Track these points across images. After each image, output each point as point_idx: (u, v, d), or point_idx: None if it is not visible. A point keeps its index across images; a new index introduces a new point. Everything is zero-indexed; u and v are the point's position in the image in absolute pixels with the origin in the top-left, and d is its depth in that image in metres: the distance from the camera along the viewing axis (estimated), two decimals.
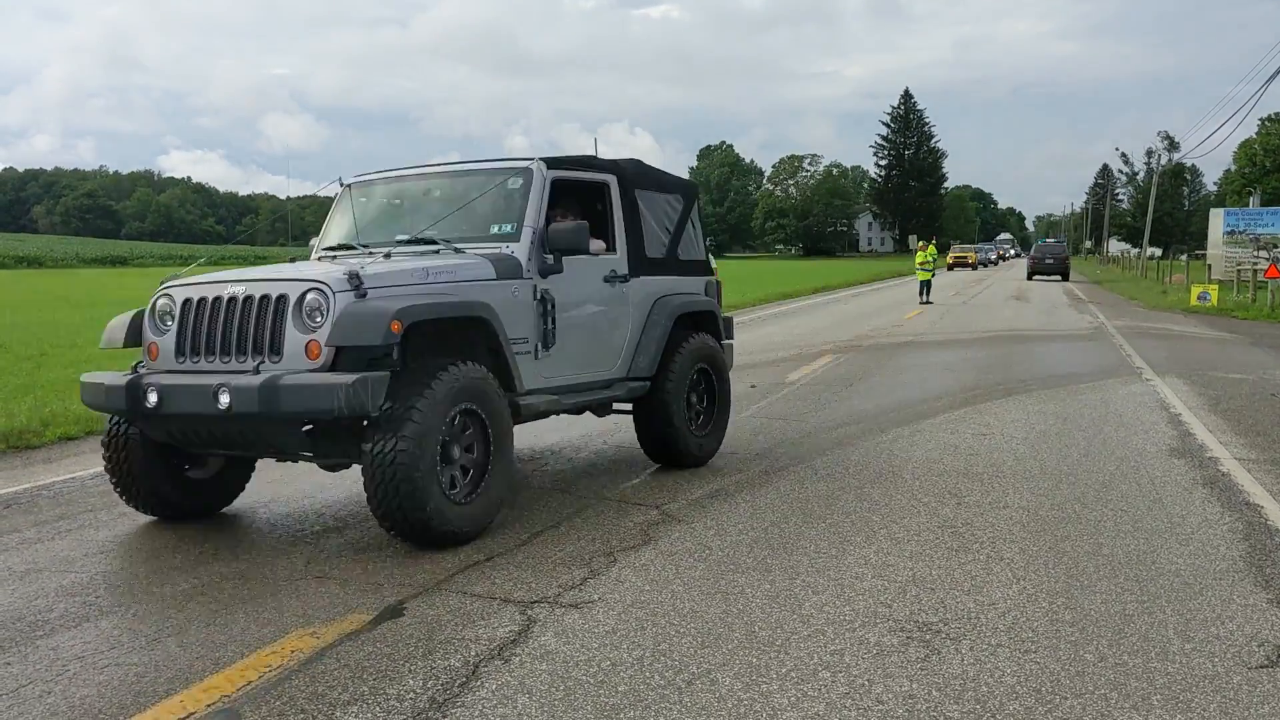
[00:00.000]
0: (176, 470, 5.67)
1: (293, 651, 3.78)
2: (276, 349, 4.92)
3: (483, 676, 3.55)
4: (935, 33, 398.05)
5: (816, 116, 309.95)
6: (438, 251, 5.83)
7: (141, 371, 5.32)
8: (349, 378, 4.62)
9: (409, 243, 6.05)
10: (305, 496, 6.29)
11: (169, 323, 5.28)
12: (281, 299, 4.96)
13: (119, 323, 5.62)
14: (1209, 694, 3.38)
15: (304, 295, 4.92)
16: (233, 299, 5.08)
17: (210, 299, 5.14)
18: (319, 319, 4.87)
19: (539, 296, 5.80)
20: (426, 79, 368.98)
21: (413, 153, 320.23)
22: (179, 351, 5.19)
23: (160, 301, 5.37)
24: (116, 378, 5.24)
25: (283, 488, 6.54)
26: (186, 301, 5.23)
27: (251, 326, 4.99)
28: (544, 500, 6.06)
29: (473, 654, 3.74)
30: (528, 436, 8.16)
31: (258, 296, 5.02)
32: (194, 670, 3.63)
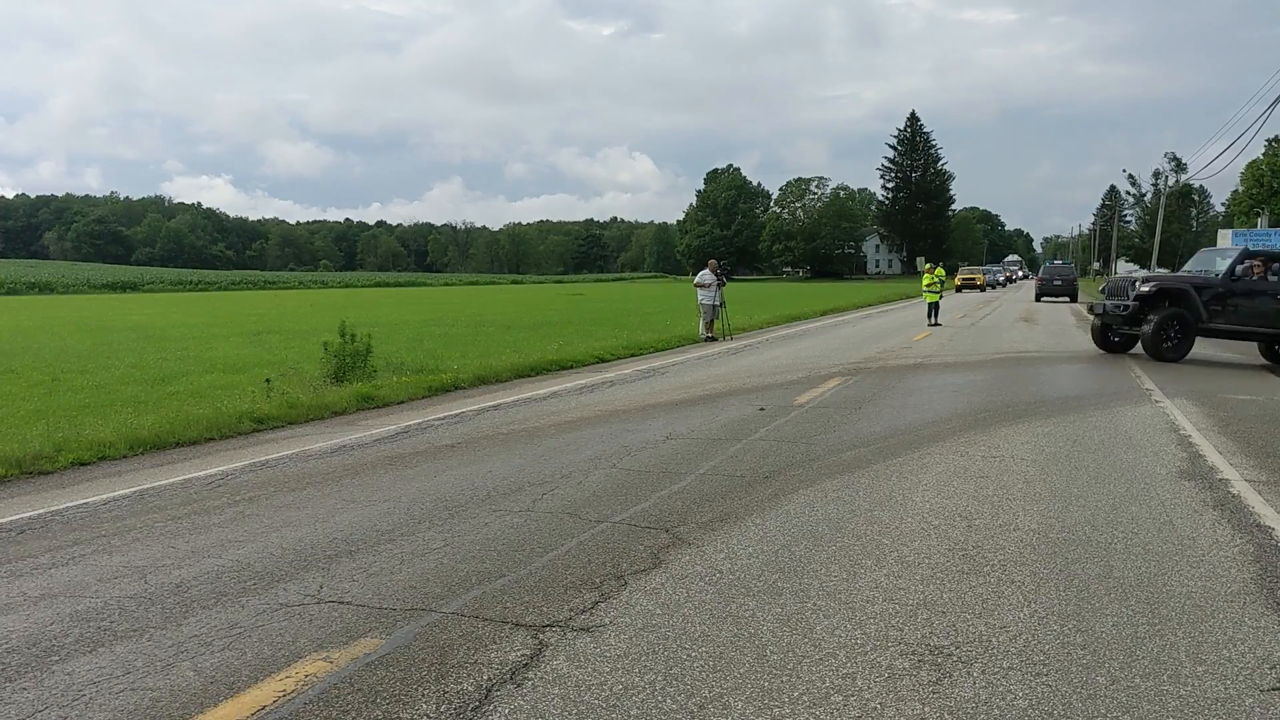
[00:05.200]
0: None
1: (306, 676, 3.80)
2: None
3: (495, 701, 3.56)
4: (946, 55, 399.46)
5: (816, 139, 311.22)
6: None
7: None
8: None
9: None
10: (317, 521, 6.32)
11: None
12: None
13: None
14: (1220, 717, 3.38)
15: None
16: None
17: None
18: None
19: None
20: (423, 105, 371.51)
21: (418, 177, 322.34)
22: None
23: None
24: None
25: (295, 512, 6.57)
26: None
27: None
28: (554, 524, 6.07)
29: (485, 678, 3.76)
30: (535, 459, 8.18)
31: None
32: (208, 696, 3.65)
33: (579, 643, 4.11)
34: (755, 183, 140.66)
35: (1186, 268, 19.44)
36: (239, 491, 7.30)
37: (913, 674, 3.74)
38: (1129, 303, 17.38)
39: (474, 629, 4.28)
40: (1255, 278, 17.07)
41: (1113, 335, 18.64)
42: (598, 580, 4.94)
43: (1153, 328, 16.78)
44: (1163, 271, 19.11)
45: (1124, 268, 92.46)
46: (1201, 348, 20.33)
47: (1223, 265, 17.51)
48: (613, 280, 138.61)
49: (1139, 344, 18.05)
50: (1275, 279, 17.03)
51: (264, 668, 3.90)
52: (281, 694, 3.65)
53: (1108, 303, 18.19)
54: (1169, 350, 16.85)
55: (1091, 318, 19.38)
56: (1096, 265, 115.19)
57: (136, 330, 28.08)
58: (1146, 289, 17.16)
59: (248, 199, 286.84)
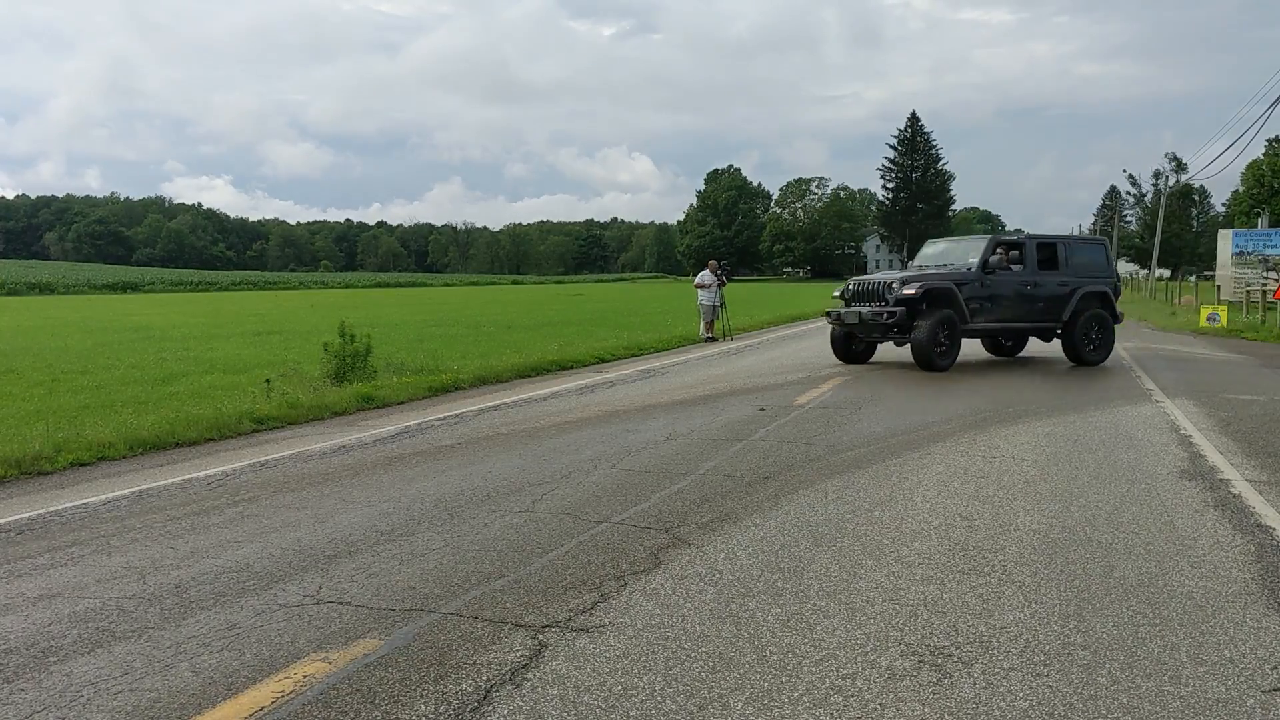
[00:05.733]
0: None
1: (305, 677, 3.79)
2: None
3: (494, 702, 3.56)
4: (945, 55, 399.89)
5: (816, 139, 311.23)
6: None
7: None
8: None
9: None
10: (317, 521, 6.31)
11: None
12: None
13: None
14: (1222, 717, 3.37)
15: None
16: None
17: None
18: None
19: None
20: (422, 105, 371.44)
21: (418, 178, 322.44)
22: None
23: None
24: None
25: (294, 513, 6.56)
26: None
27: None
28: (554, 524, 6.07)
29: (484, 679, 3.75)
30: (536, 459, 8.18)
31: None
32: (207, 696, 3.65)
33: (578, 643, 4.10)
34: (756, 183, 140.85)
35: (916, 263, 17.61)
36: (239, 492, 7.30)
37: (913, 674, 3.73)
38: (891, 308, 15.33)
39: (473, 629, 4.27)
40: (1005, 269, 15.99)
41: (856, 345, 16.69)
42: (597, 580, 4.93)
43: (926, 334, 14.91)
44: (911, 270, 16.95)
45: (1124, 268, 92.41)
46: (1200, 346, 20.31)
47: (972, 258, 15.97)
48: (613, 281, 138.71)
49: (889, 350, 16.76)
50: (1018, 268, 16.06)
51: (263, 668, 3.89)
52: (280, 695, 3.64)
53: (863, 310, 15.79)
54: (941, 357, 15.05)
55: (831, 326, 16.92)
56: None
57: (137, 331, 28.08)
58: (911, 291, 15.21)
59: (248, 199, 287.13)
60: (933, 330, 14.93)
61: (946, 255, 17.21)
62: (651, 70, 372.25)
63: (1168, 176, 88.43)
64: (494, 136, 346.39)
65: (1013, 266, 16.11)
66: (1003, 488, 6.95)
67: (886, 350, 17.92)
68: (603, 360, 18.09)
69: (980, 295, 15.59)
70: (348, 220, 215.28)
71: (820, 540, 5.63)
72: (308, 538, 5.93)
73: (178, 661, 4.00)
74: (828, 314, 16.92)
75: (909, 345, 15.45)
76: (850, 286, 16.61)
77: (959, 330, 15.36)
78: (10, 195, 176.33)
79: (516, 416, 11.04)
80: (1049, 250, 16.54)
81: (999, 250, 16.17)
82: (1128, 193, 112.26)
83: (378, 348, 15.46)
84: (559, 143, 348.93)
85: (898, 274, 15.96)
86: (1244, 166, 75.52)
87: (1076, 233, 61.47)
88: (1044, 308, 16.23)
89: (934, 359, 14.91)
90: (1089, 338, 16.48)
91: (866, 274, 16.00)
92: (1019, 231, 24.56)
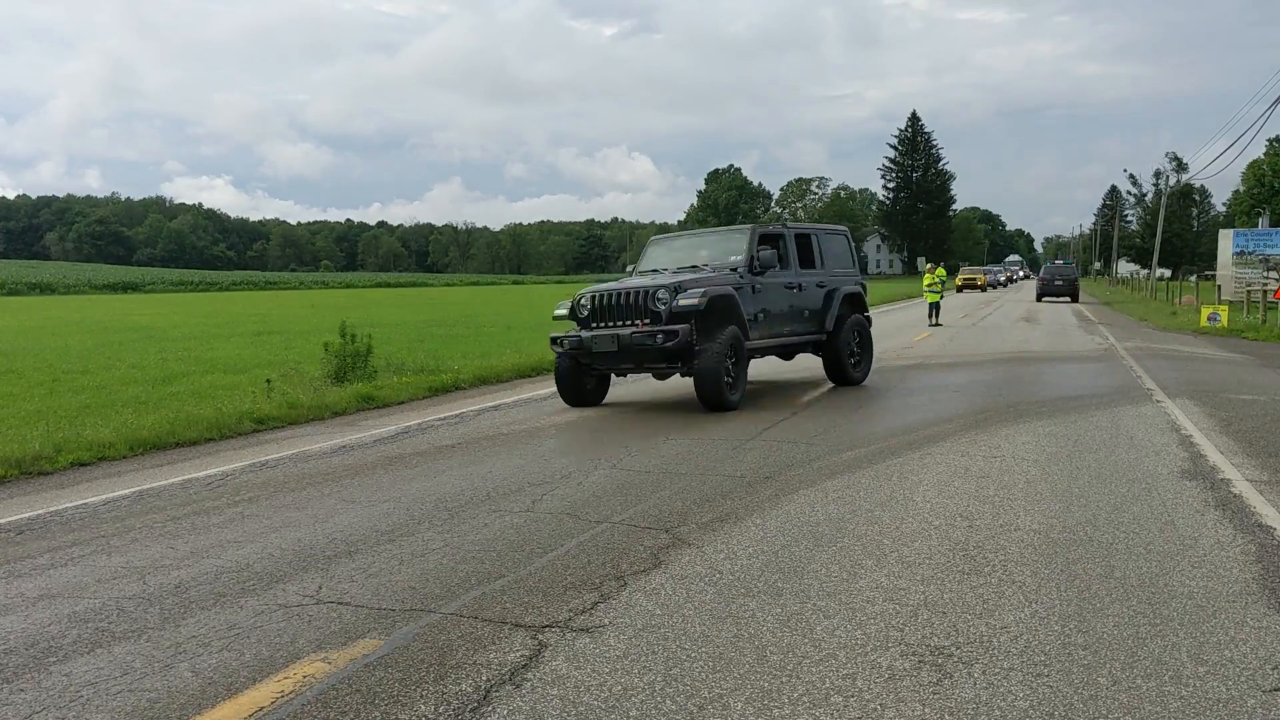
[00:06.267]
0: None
1: (305, 677, 3.78)
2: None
3: (494, 702, 3.55)
4: (945, 55, 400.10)
5: (816, 139, 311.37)
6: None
7: None
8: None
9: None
10: (317, 521, 6.31)
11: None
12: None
13: None
14: (1222, 718, 3.36)
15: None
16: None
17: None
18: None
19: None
20: (422, 105, 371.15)
21: (418, 178, 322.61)
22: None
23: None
24: None
25: (294, 513, 6.56)
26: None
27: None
28: (554, 524, 6.06)
29: (484, 679, 3.75)
30: (536, 459, 8.18)
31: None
32: (206, 697, 3.64)
33: (578, 643, 4.09)
34: (756, 183, 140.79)
35: (646, 267, 13.08)
36: (239, 492, 7.30)
37: (913, 674, 3.73)
38: (667, 327, 10.77)
39: (473, 629, 4.26)
40: (773, 268, 12.26)
41: (588, 381, 11.95)
42: (597, 580, 4.92)
43: (715, 360, 10.71)
44: (645, 276, 12.34)
45: (1125, 268, 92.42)
46: (1201, 346, 20.28)
47: (734, 256, 12.17)
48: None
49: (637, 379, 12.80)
50: (780, 267, 12.52)
51: (263, 669, 3.89)
52: (280, 695, 3.63)
53: (623, 332, 11.01)
54: (731, 390, 11.01)
55: (560, 356, 11.82)
56: (1098, 265, 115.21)
57: (138, 331, 28.08)
58: (693, 301, 10.79)
59: (248, 199, 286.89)
60: (722, 355, 10.81)
61: (689, 254, 12.94)
62: (652, 70, 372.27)
63: (1168, 176, 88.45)
64: (494, 136, 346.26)
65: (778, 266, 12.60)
66: (1003, 488, 6.94)
67: (888, 350, 17.85)
68: None
69: (754, 304, 11.86)
70: (348, 220, 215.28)
71: (820, 540, 5.63)
72: (308, 538, 5.93)
73: (178, 662, 3.99)
74: (555, 341, 11.66)
75: (690, 376, 11.16)
76: (587, 301, 11.53)
77: (745, 352, 11.40)
78: (11, 195, 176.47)
79: (516, 416, 11.04)
80: (806, 243, 13.36)
81: (763, 244, 12.42)
82: (1128, 192, 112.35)
83: (378, 348, 15.47)
84: (559, 143, 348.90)
85: (663, 280, 11.33)
86: (1244, 166, 75.61)
87: (1077, 234, 60.81)
88: (809, 315, 13.02)
89: (725, 393, 10.81)
90: (851, 350, 13.44)
91: (603, 283, 12.12)
92: (843, 224, 20.82)
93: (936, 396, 12.17)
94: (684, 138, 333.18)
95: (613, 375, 12.29)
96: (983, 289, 65.76)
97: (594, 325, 11.38)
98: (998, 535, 5.69)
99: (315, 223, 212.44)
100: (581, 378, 11.80)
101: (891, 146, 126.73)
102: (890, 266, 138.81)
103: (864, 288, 14.35)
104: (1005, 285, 79.56)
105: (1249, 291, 30.23)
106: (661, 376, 12.27)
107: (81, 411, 11.15)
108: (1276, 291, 26.01)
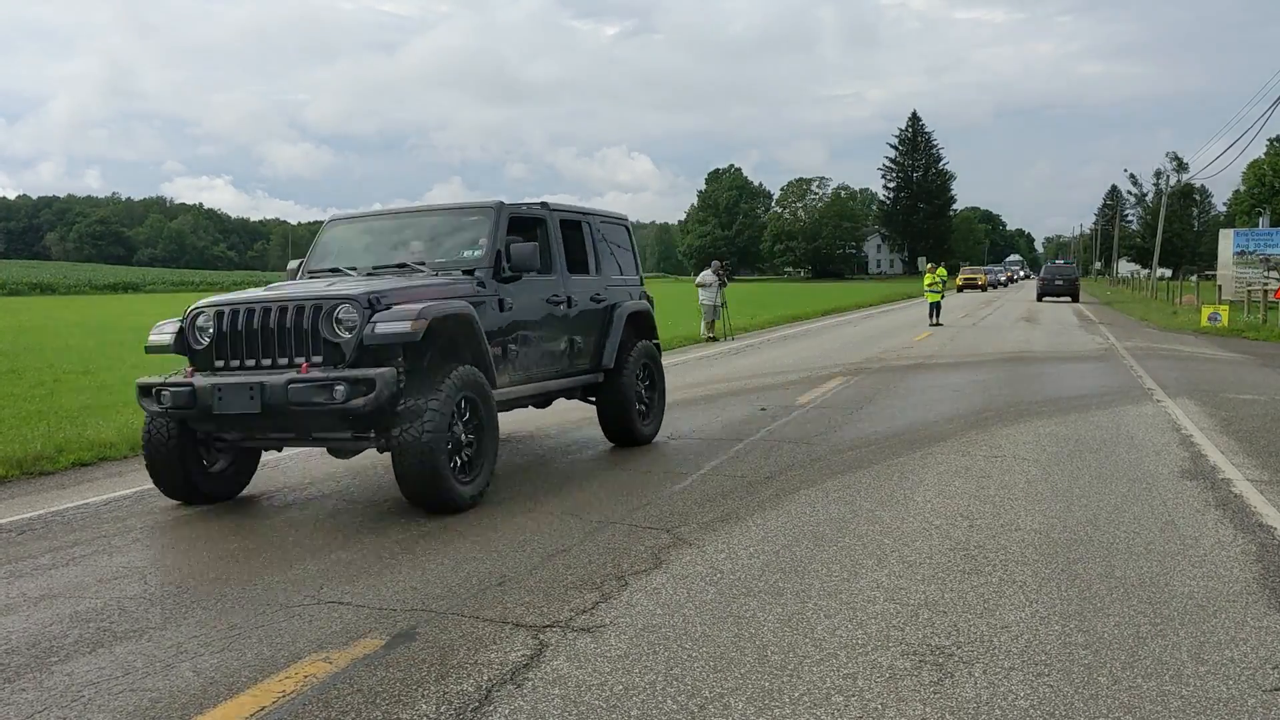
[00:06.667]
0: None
1: (306, 676, 3.79)
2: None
3: (495, 701, 3.55)
4: (945, 55, 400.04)
5: (816, 139, 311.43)
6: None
7: None
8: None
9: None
10: (317, 521, 6.31)
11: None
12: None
13: None
14: (1223, 717, 3.37)
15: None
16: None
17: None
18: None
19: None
20: (422, 106, 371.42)
21: (419, 178, 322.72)
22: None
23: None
24: None
25: (295, 512, 6.56)
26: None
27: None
28: (554, 524, 6.07)
29: (485, 678, 3.75)
30: (534, 457, 8.17)
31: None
32: (208, 696, 3.65)
33: (579, 643, 4.10)
34: (756, 183, 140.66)
35: (321, 265, 8.07)
36: None
37: (914, 674, 3.73)
38: (349, 374, 6.03)
39: (474, 629, 4.27)
40: (530, 270, 7.50)
41: (211, 460, 7.02)
42: (598, 580, 4.93)
43: (432, 427, 6.07)
44: (393, 281, 6.79)
45: (1126, 267, 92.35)
46: (1201, 346, 20.24)
47: (469, 251, 7.62)
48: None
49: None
50: (540, 269, 7.69)
51: (264, 668, 3.89)
52: (281, 694, 3.64)
53: (270, 380, 6.10)
54: (462, 481, 6.43)
55: (151, 420, 6.80)
56: (1098, 265, 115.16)
57: (139, 331, 28.01)
58: (403, 327, 6.15)
59: (248, 199, 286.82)
60: (445, 418, 6.24)
61: (393, 244, 8.06)
62: (652, 70, 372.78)
63: (1169, 176, 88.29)
64: (494, 136, 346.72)
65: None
66: (1004, 487, 6.94)
67: (889, 350, 17.82)
68: None
69: (501, 327, 7.35)
70: None
71: (821, 540, 5.63)
72: (308, 537, 5.93)
73: (179, 661, 4.00)
74: (145, 392, 6.52)
75: (388, 452, 6.37)
76: (209, 320, 6.58)
77: (489, 411, 6.78)
78: (11, 196, 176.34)
79: (516, 416, 11.04)
80: (576, 235, 8.83)
81: (515, 233, 7.77)
82: (1129, 192, 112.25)
83: None
84: (559, 143, 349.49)
85: (349, 287, 6.65)
86: (1245, 166, 75.50)
87: (1078, 234, 60.42)
88: (582, 345, 8.46)
89: (451, 488, 6.31)
90: (639, 395, 9.01)
91: (240, 291, 7.43)
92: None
93: (937, 396, 12.18)
94: (684, 138, 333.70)
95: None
96: (983, 289, 65.76)
97: (219, 364, 6.50)
98: (998, 535, 5.69)
99: (315, 223, 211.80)
100: (198, 450, 6.90)
101: (892, 146, 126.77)
102: (891, 266, 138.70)
103: (651, 301, 9.66)
104: (1006, 285, 79.57)
105: (1249, 291, 30.21)
106: (343, 454, 7.24)
107: (83, 411, 11.15)
108: (1277, 291, 26.00)
